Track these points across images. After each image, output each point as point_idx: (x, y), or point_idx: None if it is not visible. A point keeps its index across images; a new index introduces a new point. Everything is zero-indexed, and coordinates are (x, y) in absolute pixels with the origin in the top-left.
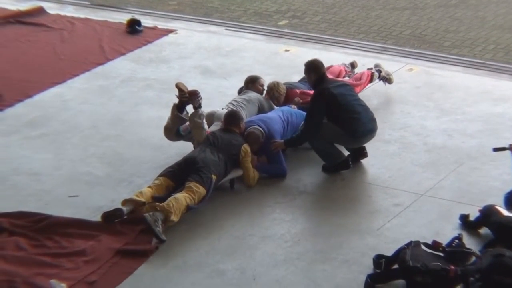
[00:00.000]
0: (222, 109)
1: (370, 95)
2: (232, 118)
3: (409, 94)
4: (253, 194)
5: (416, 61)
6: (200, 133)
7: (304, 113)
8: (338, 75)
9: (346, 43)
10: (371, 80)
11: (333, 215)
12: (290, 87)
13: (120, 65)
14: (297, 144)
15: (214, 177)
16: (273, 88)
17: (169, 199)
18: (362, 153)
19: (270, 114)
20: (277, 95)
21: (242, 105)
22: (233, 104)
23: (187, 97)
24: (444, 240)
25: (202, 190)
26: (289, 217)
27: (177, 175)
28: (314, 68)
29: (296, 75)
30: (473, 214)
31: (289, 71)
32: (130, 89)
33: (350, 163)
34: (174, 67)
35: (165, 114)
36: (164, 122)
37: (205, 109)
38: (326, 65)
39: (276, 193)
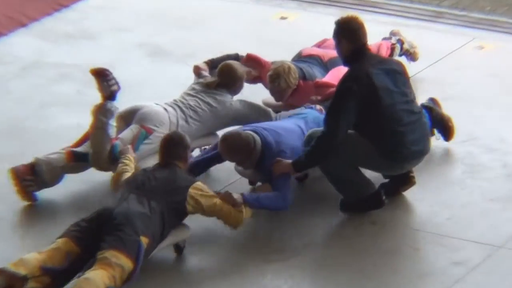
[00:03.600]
0: (157, 104)
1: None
2: (174, 147)
3: (477, 86)
4: (233, 246)
5: (489, 33)
6: (99, 139)
7: None
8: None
9: (377, 6)
10: (391, 55)
11: (357, 281)
12: (300, 75)
13: (20, 43)
14: (309, 165)
15: (144, 239)
16: (282, 74)
17: (75, 282)
18: (407, 180)
19: (285, 123)
20: (285, 86)
21: (201, 110)
22: (182, 106)
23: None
24: None
25: (125, 262)
26: (287, 285)
27: (86, 237)
28: (348, 32)
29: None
30: None
31: (286, 51)
32: (35, 81)
33: (384, 197)
34: (105, 46)
35: (89, 120)
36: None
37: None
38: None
39: (267, 246)
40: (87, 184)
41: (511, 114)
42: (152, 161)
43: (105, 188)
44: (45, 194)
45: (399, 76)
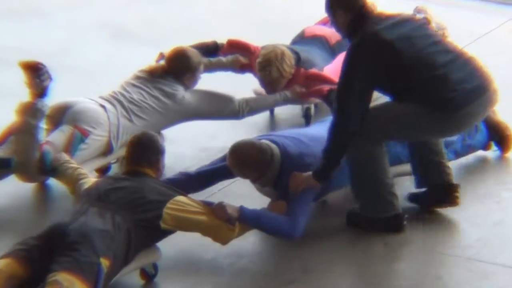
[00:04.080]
0: (91, 100)
1: None
2: (141, 150)
3: None
4: (218, 271)
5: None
6: (26, 144)
7: None
8: None
9: None
10: None
11: None
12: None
13: None
14: (330, 167)
15: (104, 261)
16: (274, 61)
17: None
18: (448, 198)
19: (312, 129)
20: (277, 76)
21: (147, 105)
22: (123, 100)
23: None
24: None
25: (79, 287)
26: None
27: (35, 258)
28: (342, 1)
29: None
30: None
31: (283, 32)
32: None
33: (405, 220)
34: (56, 25)
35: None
36: None
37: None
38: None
39: (260, 271)
40: (6, 198)
41: None
42: (89, 168)
43: (27, 203)
44: None
45: (412, 22)
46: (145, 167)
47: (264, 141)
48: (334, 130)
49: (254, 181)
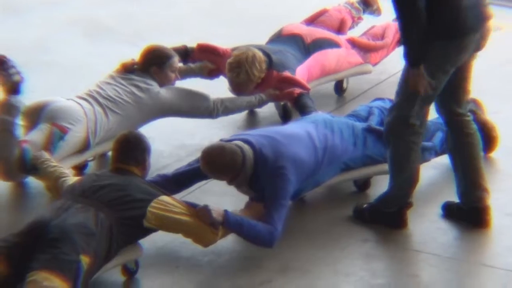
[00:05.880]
0: (68, 99)
1: None
2: (127, 148)
3: (493, 77)
4: (186, 270)
5: (507, 12)
6: (5, 142)
7: (359, 124)
8: (340, 28)
9: None
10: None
11: None
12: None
13: None
14: (413, 44)
15: (84, 259)
16: (243, 63)
17: None
18: (479, 220)
19: (291, 127)
20: (245, 78)
21: (122, 100)
22: (99, 98)
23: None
24: None
25: (59, 285)
26: None
27: (16, 255)
28: None
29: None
30: None
31: (261, 30)
32: None
33: (407, 215)
34: (33, 22)
35: None
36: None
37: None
38: (315, 10)
39: (232, 270)
40: None
41: None
42: (69, 163)
43: (4, 201)
44: None
45: None
46: (131, 165)
47: (236, 142)
48: (406, 27)
49: (229, 183)
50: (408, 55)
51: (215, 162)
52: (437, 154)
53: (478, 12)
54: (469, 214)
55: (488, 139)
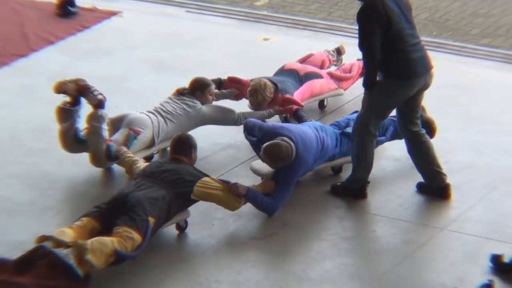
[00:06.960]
0: (141, 113)
1: None
2: (180, 145)
3: (425, 96)
4: (219, 226)
5: (435, 53)
6: (96, 141)
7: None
8: (322, 65)
9: (343, 30)
10: (362, 74)
11: (325, 256)
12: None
13: (48, 58)
14: (371, 78)
15: (151, 219)
16: (259, 90)
17: (91, 240)
18: (444, 193)
19: (305, 128)
20: (261, 99)
21: (176, 113)
22: (161, 111)
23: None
24: None
25: (136, 236)
26: (267, 258)
27: (106, 216)
28: None
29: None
30: (508, 254)
31: (269, 67)
32: None
33: (367, 190)
34: (118, 61)
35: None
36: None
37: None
38: (304, 53)
39: (251, 226)
40: (83, 177)
41: (451, 120)
42: (141, 155)
43: (98, 180)
44: (65, 184)
45: (404, 5)
46: (182, 156)
47: (285, 138)
48: (366, 62)
49: (274, 167)
50: (366, 82)
51: (275, 154)
52: (388, 141)
53: (425, 62)
54: (437, 191)
55: (431, 129)
